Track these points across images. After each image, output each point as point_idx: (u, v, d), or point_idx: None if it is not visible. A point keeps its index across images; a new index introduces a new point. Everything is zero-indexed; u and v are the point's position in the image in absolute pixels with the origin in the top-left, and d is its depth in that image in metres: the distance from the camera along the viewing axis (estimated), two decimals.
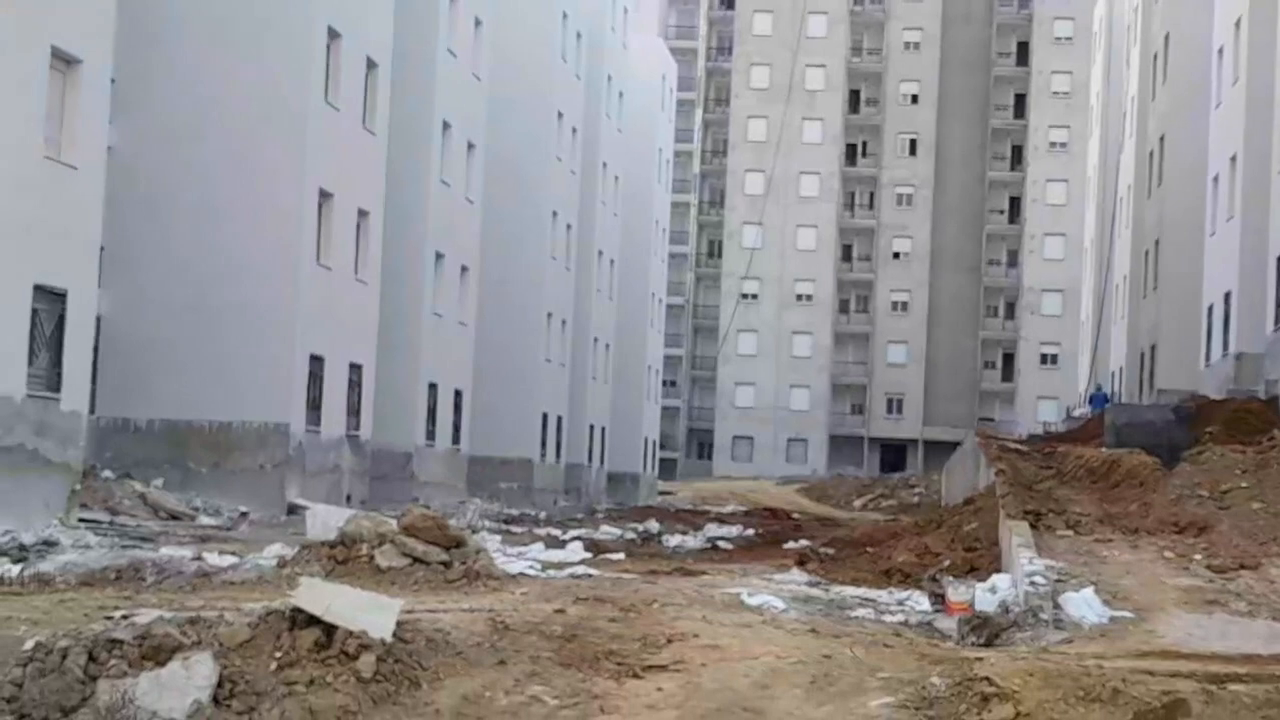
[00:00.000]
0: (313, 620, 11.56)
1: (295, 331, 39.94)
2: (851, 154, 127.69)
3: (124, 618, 12.42)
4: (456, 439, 53.80)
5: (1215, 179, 48.10)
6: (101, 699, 10.90)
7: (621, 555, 29.19)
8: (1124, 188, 67.45)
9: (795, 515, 58.14)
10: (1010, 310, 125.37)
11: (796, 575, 23.98)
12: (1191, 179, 51.31)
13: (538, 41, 61.74)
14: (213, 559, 21.11)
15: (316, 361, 41.20)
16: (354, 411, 44.21)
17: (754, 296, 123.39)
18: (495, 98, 56.49)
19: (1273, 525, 22.28)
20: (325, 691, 10.92)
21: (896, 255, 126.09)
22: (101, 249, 32.47)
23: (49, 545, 24.46)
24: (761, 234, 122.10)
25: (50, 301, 29.28)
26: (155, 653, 11.23)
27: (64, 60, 29.46)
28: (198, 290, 39.04)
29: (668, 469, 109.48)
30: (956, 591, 19.18)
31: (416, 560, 18.49)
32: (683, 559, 29.40)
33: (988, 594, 18.30)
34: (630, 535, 38.12)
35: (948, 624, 18.14)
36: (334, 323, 42.10)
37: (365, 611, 11.72)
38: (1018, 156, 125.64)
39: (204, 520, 34.83)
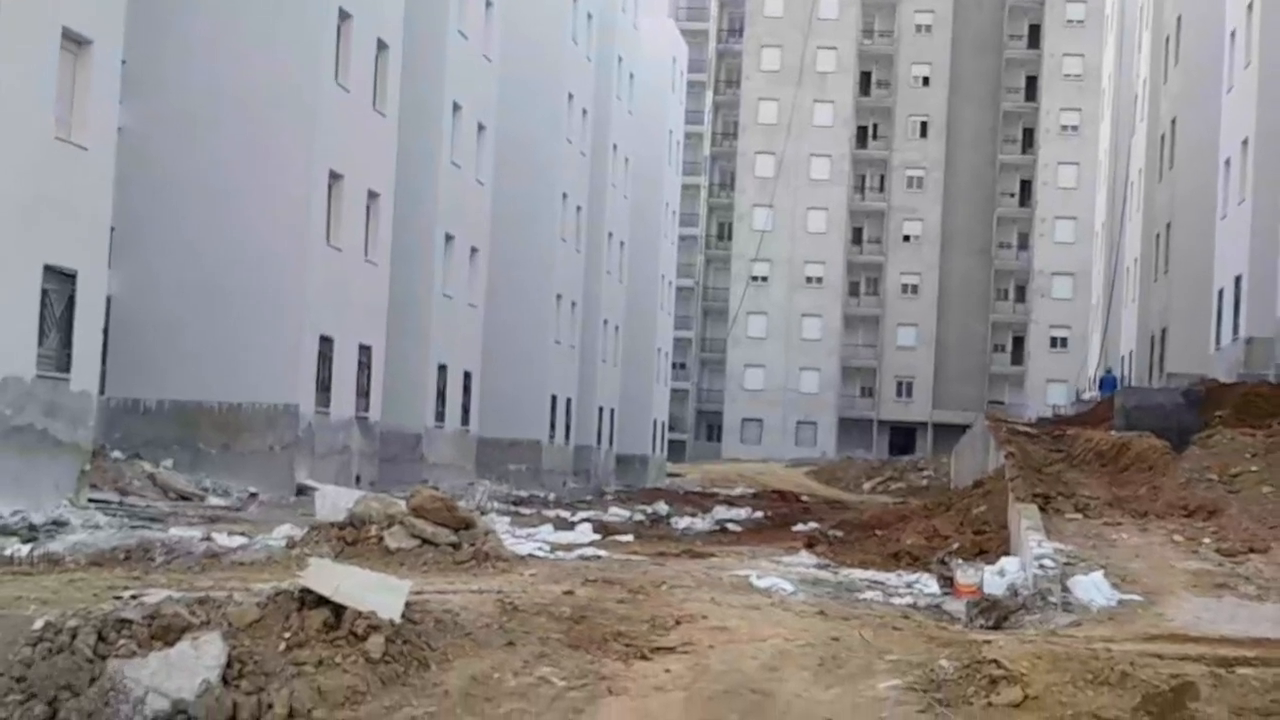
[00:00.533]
0: (322, 601, 11.57)
1: (305, 313, 39.96)
2: (862, 136, 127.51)
3: (133, 598, 12.45)
4: (466, 420, 53.84)
5: (1227, 162, 48.01)
6: (108, 679, 10.92)
7: (630, 537, 29.22)
8: (1135, 171, 67.35)
9: (804, 498, 58.14)
10: (1020, 293, 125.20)
11: (805, 558, 23.99)
12: (1203, 162, 51.21)
13: (548, 23, 61.67)
14: (222, 539, 21.14)
15: (326, 343, 41.23)
16: (363, 393, 44.24)
17: (764, 279, 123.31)
18: (506, 79, 56.46)
19: None
20: (334, 672, 10.94)
21: (907, 238, 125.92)
22: (111, 230, 32.49)
23: (59, 525, 24.51)
24: (772, 216, 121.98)
25: (60, 282, 29.30)
26: (164, 633, 11.24)
27: (75, 41, 29.44)
28: (207, 271, 39.06)
29: (676, 451, 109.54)
30: (965, 574, 19.17)
31: (425, 542, 18.51)
32: (691, 541, 29.41)
33: (996, 577, 18.30)
34: (639, 517, 38.13)
35: (956, 607, 18.14)
36: (344, 304, 42.11)
37: (374, 592, 11.73)
38: (1029, 139, 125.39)
39: (213, 501, 34.88)
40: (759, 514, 41.94)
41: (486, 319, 55.46)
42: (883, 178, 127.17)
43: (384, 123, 44.80)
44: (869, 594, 19.17)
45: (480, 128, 53.88)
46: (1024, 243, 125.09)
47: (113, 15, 30.82)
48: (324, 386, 41.29)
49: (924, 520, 28.10)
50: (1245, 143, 45.11)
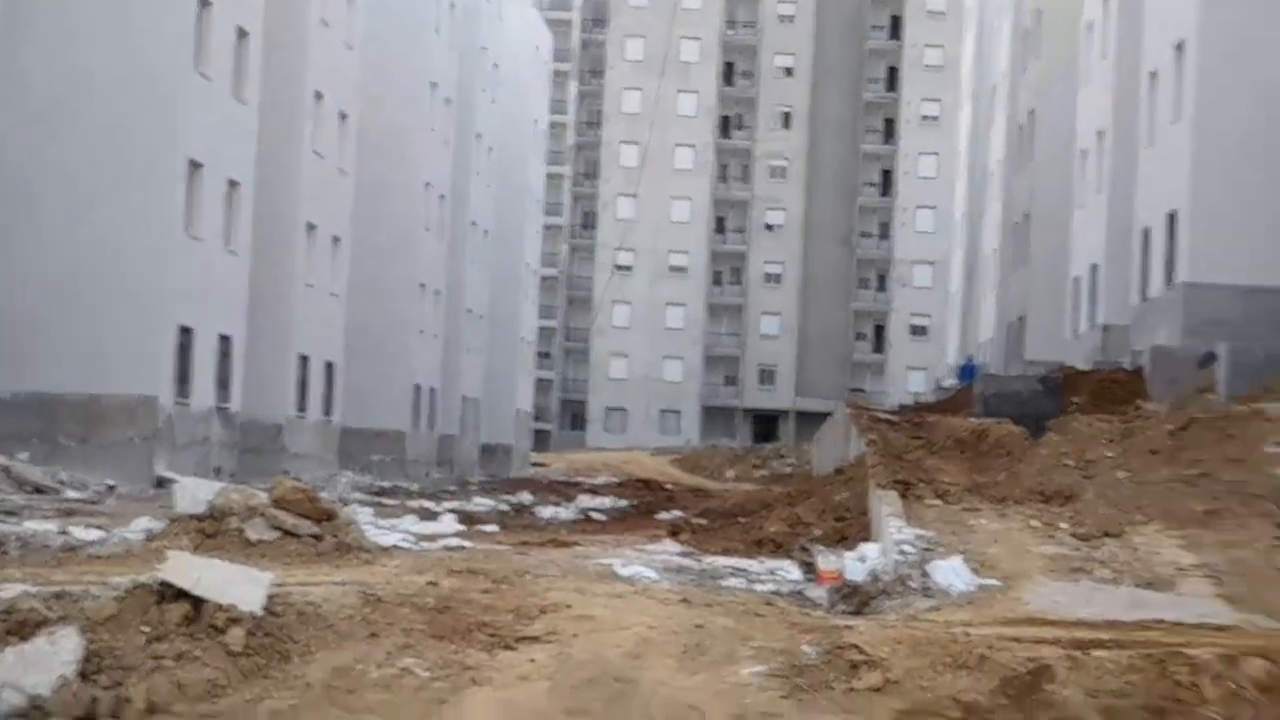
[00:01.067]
0: (181, 594, 11.44)
1: (164, 303, 39.52)
2: (726, 126, 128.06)
3: None
4: (328, 411, 53.47)
5: (1083, 153, 48.74)
6: None
7: (494, 527, 29.18)
8: (994, 161, 68.19)
9: (668, 486, 58.37)
10: (882, 282, 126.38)
11: (669, 546, 24.09)
12: (1060, 153, 51.96)
13: (411, 11, 61.29)
14: (79, 533, 20.84)
15: (186, 333, 40.77)
16: (224, 383, 43.80)
17: (628, 268, 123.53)
18: (368, 68, 56.09)
19: (1137, 494, 22.63)
20: (194, 665, 10.82)
21: (770, 227, 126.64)
22: None
23: None
24: (636, 206, 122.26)
25: None
26: (20, 628, 11.06)
27: None
28: (66, 261, 38.51)
29: (541, 441, 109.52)
30: (827, 560, 19.35)
31: (287, 533, 18.35)
32: (556, 530, 29.44)
33: (857, 563, 18.47)
34: (503, 507, 38.12)
35: (818, 593, 18.30)
36: (204, 294, 41.67)
37: (234, 585, 11.62)
38: (890, 129, 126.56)
39: (70, 494, 34.34)
40: (623, 503, 42.07)
41: (349, 309, 55.09)
42: (746, 167, 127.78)
43: (244, 111, 44.35)
44: (732, 581, 19.27)
45: (342, 116, 53.49)
46: (885, 232, 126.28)
47: None
48: (184, 377, 40.83)
49: (786, 507, 28.29)
50: (1101, 134, 45.83)
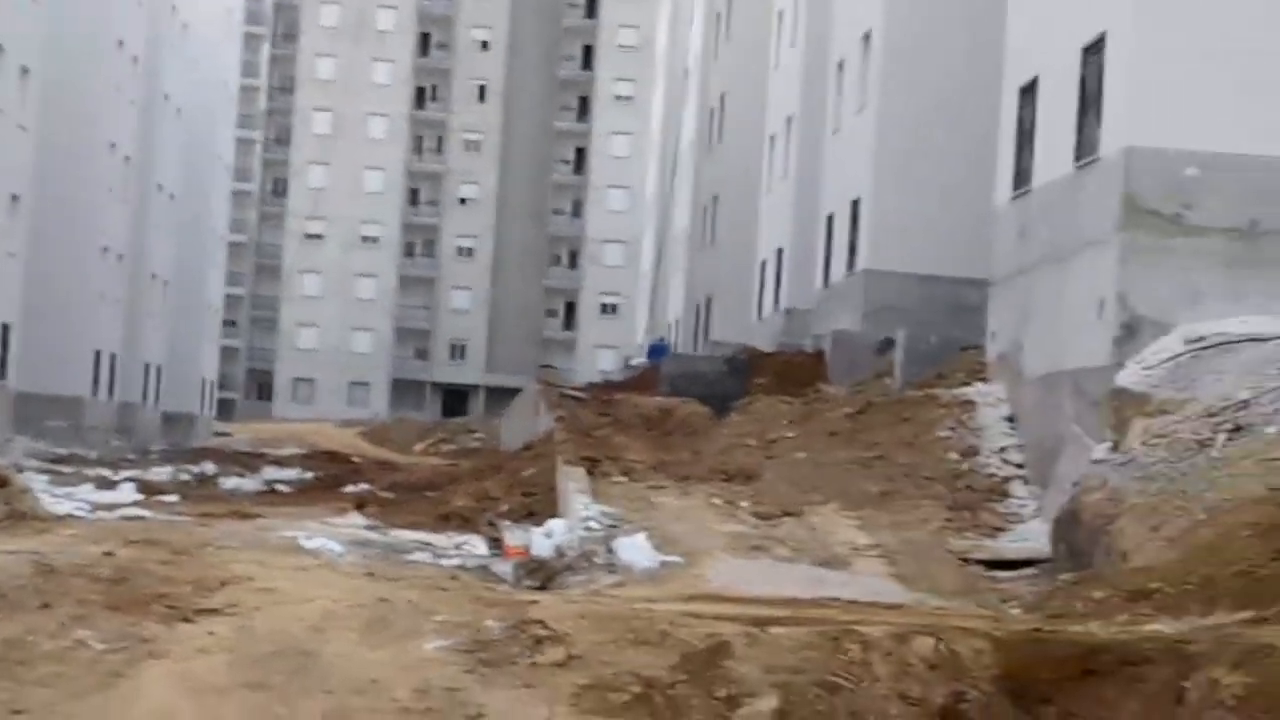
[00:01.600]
0: None
1: None
2: (421, 98, 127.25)
3: None
4: (2, 374, 51.75)
5: (772, 138, 49.63)
6: None
7: (175, 497, 28.64)
8: (685, 143, 68.99)
9: (355, 459, 57.83)
10: (574, 260, 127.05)
11: (355, 519, 23.97)
12: (749, 137, 52.75)
13: None
14: None
15: None
16: None
17: (319, 237, 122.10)
18: (52, 22, 54.27)
19: (816, 475, 23.23)
20: None
21: (463, 201, 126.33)
22: None
23: None
24: (328, 174, 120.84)
25: None
26: None
27: None
28: None
29: (226, 410, 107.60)
30: (513, 536, 19.47)
31: None
32: (239, 502, 29.02)
33: (544, 538, 18.63)
34: (185, 477, 37.41)
35: (504, 568, 18.41)
36: None
37: None
38: (584, 108, 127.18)
39: None
40: (309, 475, 41.60)
41: (28, 270, 53.33)
42: (440, 139, 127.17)
43: None
44: (418, 555, 19.26)
45: (24, 71, 51.72)
46: (578, 210, 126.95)
47: None
48: None
49: (474, 482, 28.37)
50: (789, 120, 46.71)
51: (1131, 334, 20.60)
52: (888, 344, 31.32)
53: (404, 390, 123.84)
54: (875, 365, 31.65)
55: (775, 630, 11.20)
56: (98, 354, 60.99)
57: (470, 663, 10.45)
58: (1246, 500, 15.37)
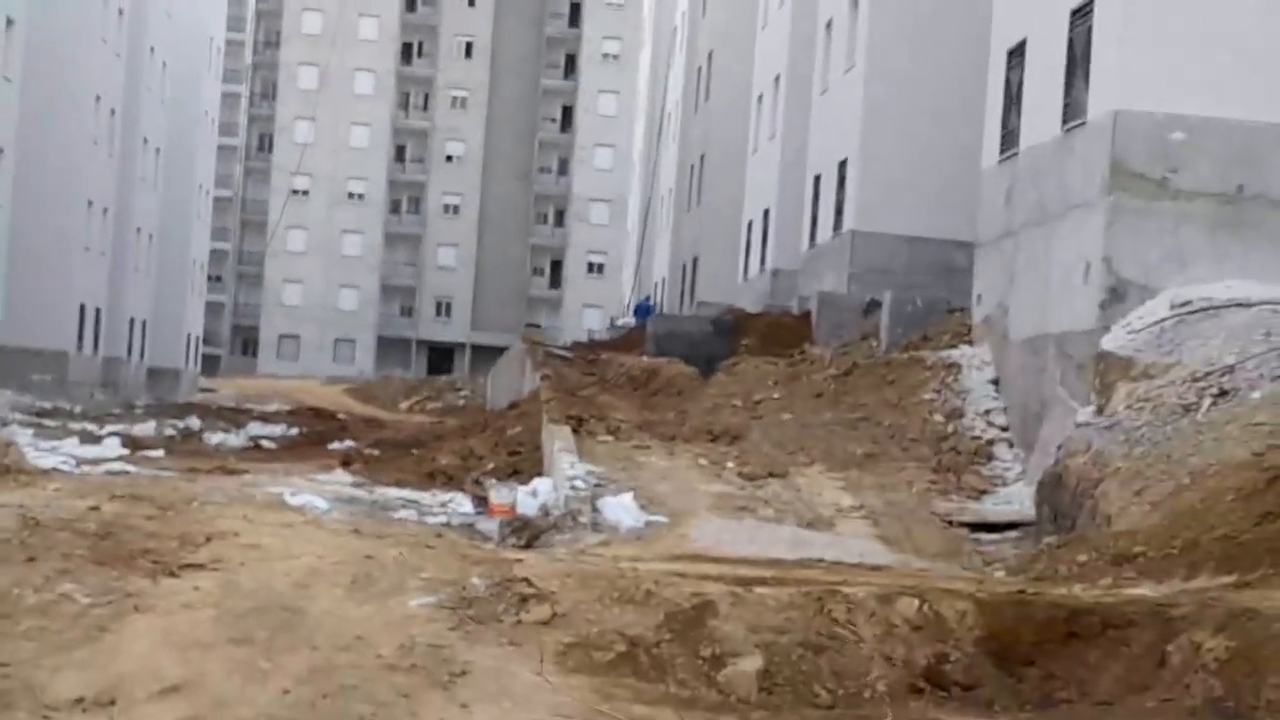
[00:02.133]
0: None
1: None
2: (407, 54, 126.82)
3: None
4: None
5: (759, 98, 49.54)
6: None
7: (161, 452, 28.64)
8: (672, 102, 68.84)
9: (341, 416, 57.85)
10: (560, 218, 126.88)
11: (340, 476, 23.98)
12: (737, 97, 52.67)
13: None
14: None
15: None
16: None
17: (305, 193, 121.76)
18: None
19: (800, 435, 23.26)
20: None
21: (450, 158, 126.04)
22: None
23: None
24: (314, 130, 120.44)
25: None
26: None
27: None
28: None
29: (211, 365, 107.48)
30: (499, 494, 19.48)
31: None
32: (224, 457, 29.02)
33: (529, 497, 18.65)
34: (170, 432, 37.39)
35: (489, 526, 18.43)
36: None
37: None
38: (572, 66, 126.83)
39: None
40: (295, 431, 41.61)
41: (12, 223, 53.13)
42: (427, 96, 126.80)
43: None
44: (404, 512, 19.28)
45: (9, 22, 51.44)
46: (564, 168, 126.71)
47: None
48: None
49: (460, 440, 28.39)
50: (777, 79, 46.62)
51: (1117, 297, 20.62)
52: (874, 305, 31.35)
53: (389, 347, 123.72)
54: (861, 326, 31.69)
55: (760, 590, 11.24)
56: (82, 308, 60.84)
57: (455, 620, 10.48)
58: (1230, 465, 15.42)
